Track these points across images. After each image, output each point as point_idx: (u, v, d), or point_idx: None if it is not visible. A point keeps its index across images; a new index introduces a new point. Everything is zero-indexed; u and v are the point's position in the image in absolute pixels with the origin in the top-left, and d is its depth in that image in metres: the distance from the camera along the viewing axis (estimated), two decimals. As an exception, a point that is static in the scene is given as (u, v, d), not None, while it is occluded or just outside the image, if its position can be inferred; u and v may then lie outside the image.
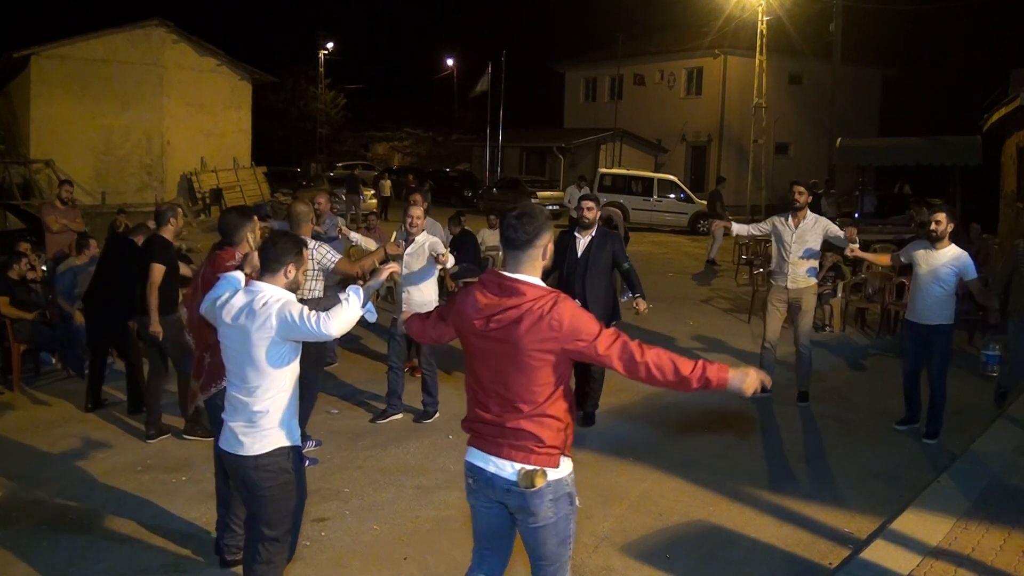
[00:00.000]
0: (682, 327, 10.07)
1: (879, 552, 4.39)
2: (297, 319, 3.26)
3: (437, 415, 6.68)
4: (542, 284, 2.91)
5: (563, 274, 6.50)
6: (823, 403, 7.33)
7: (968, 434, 6.46)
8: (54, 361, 7.84)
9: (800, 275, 7.07)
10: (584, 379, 6.58)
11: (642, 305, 6.37)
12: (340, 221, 8.30)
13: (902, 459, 6.08)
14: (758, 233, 7.63)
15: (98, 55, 22.74)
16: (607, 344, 2.81)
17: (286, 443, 3.42)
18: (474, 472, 2.99)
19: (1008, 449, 6.00)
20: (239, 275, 3.87)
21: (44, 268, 8.89)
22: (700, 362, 2.87)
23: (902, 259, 6.59)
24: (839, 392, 7.74)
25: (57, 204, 9.79)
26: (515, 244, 2.90)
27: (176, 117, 24.23)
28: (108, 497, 5.10)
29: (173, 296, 6.10)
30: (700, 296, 12.54)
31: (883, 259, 6.99)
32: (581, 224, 6.49)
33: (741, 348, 9.31)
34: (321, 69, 44.77)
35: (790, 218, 7.13)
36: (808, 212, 7.11)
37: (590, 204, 6.50)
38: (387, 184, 24.76)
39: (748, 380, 2.87)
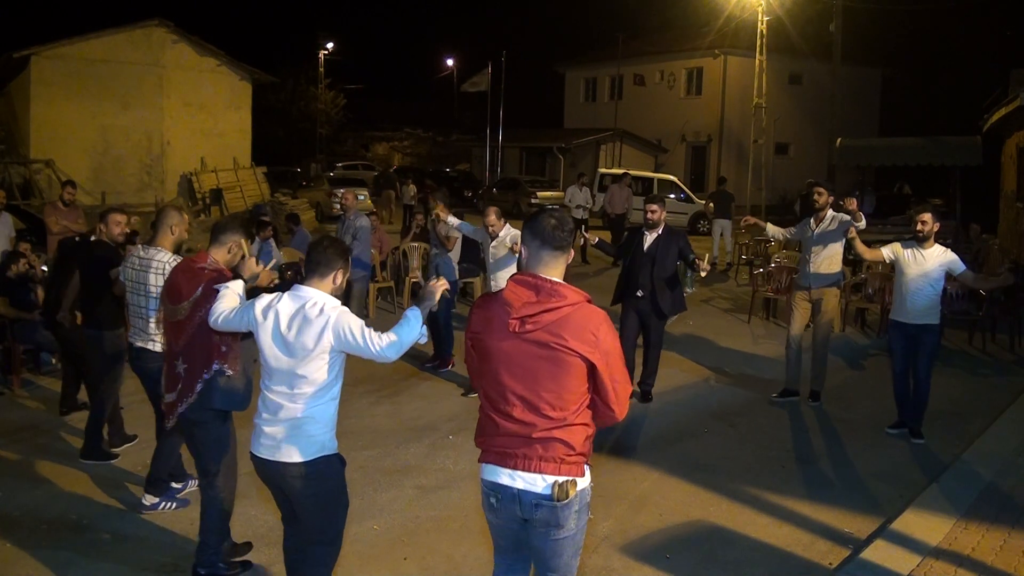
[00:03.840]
0: (682, 327, 10.07)
1: (879, 552, 4.40)
2: (358, 338, 3.22)
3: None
4: (572, 287, 2.90)
5: (627, 266, 7.24)
6: (823, 403, 7.33)
7: (967, 434, 6.47)
8: (54, 361, 7.84)
9: (822, 276, 7.06)
10: (645, 350, 7.19)
11: (704, 264, 7.05)
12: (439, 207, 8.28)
13: (902, 459, 6.08)
14: (789, 236, 7.63)
15: (98, 55, 22.70)
16: (622, 374, 2.87)
17: (330, 451, 3.41)
18: (497, 491, 2.89)
19: (1008, 449, 6.01)
20: (238, 284, 3.82)
21: (44, 268, 8.88)
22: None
23: (886, 256, 6.51)
24: (839, 392, 7.74)
25: (59, 205, 9.79)
26: (555, 244, 2.86)
27: (176, 117, 24.20)
28: (108, 498, 5.11)
29: (112, 310, 5.57)
30: (700, 296, 12.53)
31: (875, 254, 6.76)
32: (647, 224, 7.15)
33: (741, 348, 9.31)
34: (321, 69, 44.78)
35: (812, 220, 7.15)
36: (829, 212, 7.08)
37: (654, 207, 7.11)
38: (411, 189, 23.25)
39: None
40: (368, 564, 4.39)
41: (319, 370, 3.30)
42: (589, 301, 2.86)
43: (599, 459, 5.89)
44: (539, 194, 26.00)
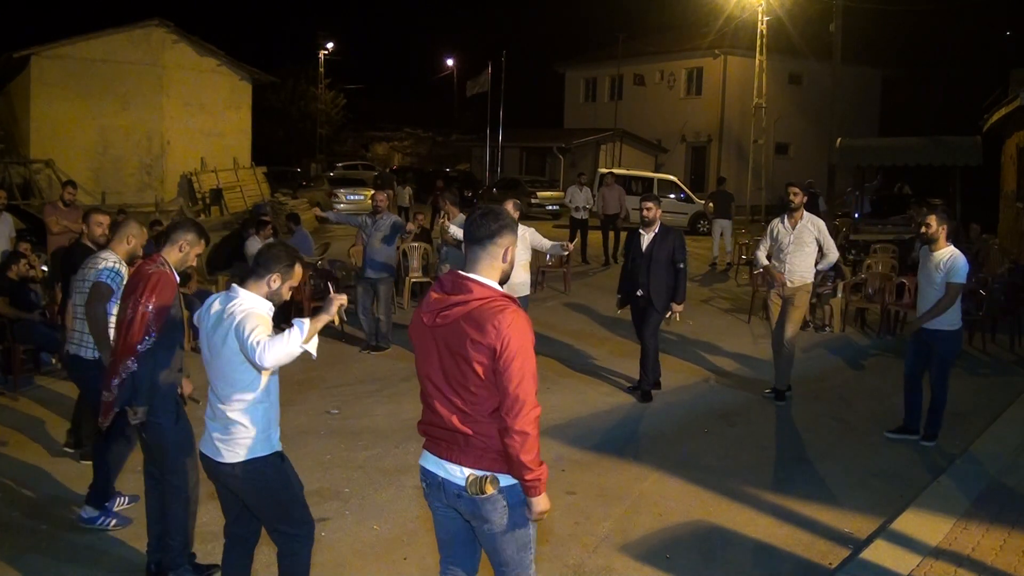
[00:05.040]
0: (682, 327, 10.06)
1: (879, 552, 4.40)
2: (245, 335, 3.15)
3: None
4: (496, 286, 2.84)
5: (629, 267, 7.36)
6: (823, 403, 7.33)
7: (968, 435, 6.46)
8: (54, 361, 7.84)
9: (796, 274, 7.14)
10: (642, 352, 7.31)
11: (676, 309, 7.19)
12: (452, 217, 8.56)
13: (902, 459, 6.08)
14: (770, 249, 7.62)
15: (98, 55, 22.71)
16: (519, 377, 2.70)
17: (260, 453, 3.39)
18: (426, 476, 2.96)
19: (1008, 449, 6.01)
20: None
21: (44, 268, 8.89)
22: (544, 467, 2.79)
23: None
24: (839, 392, 7.75)
25: (60, 205, 9.79)
26: (474, 238, 2.85)
27: (176, 117, 24.20)
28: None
29: None
30: (700, 296, 12.53)
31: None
32: (643, 222, 7.25)
33: (741, 348, 9.31)
34: (321, 69, 44.77)
35: (786, 219, 7.25)
36: (804, 212, 7.21)
37: (649, 204, 7.20)
38: (408, 192, 21.92)
39: (542, 505, 2.83)
40: (368, 564, 4.39)
41: (235, 371, 3.31)
42: (505, 298, 2.80)
43: (599, 459, 5.90)
44: (539, 194, 25.99)
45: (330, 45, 45.88)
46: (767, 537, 4.78)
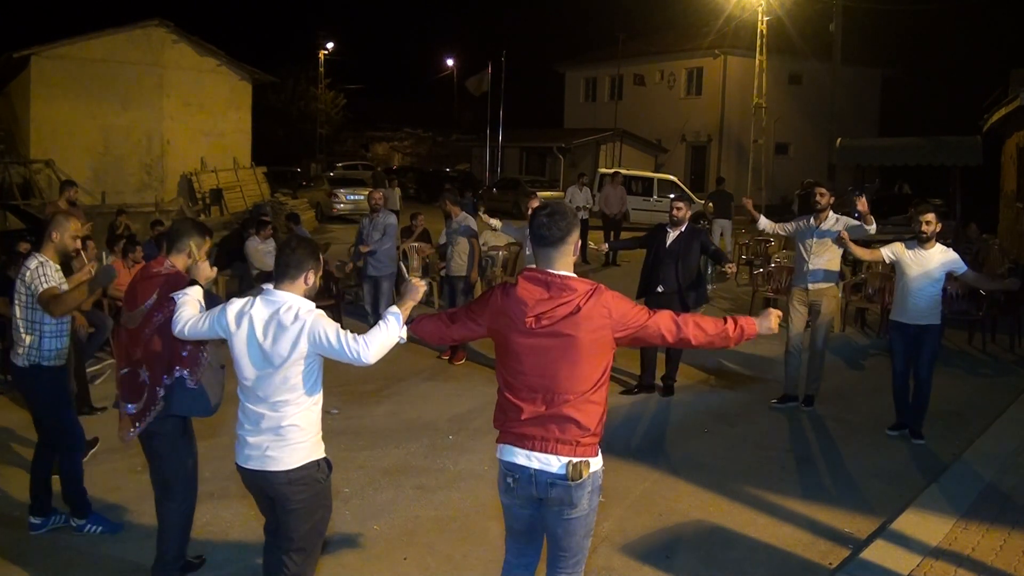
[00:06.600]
0: (682, 327, 10.06)
1: (879, 552, 4.40)
2: (335, 342, 3.13)
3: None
4: (579, 277, 2.99)
5: (650, 263, 7.45)
6: (823, 403, 7.32)
7: (967, 434, 6.47)
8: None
9: (820, 277, 6.99)
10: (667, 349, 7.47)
11: (732, 268, 7.60)
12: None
13: (901, 459, 6.08)
14: (782, 233, 7.50)
15: (98, 55, 22.70)
16: (652, 318, 2.97)
17: (317, 456, 3.36)
18: (515, 471, 3.00)
19: (1007, 449, 6.01)
20: (196, 290, 3.65)
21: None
22: (730, 318, 3.08)
23: (886, 257, 6.46)
24: (839, 392, 7.74)
25: (62, 204, 9.79)
26: (548, 242, 2.96)
27: (176, 117, 24.18)
28: (108, 499, 5.10)
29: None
30: (700, 296, 12.53)
31: (874, 255, 6.72)
32: (672, 221, 7.43)
33: (741, 348, 9.29)
34: (321, 69, 44.78)
35: (812, 219, 7.04)
36: (830, 213, 6.99)
37: (680, 205, 7.45)
38: (397, 194, 20.28)
39: (770, 319, 3.11)
40: (368, 564, 4.39)
41: (297, 376, 3.22)
42: (593, 284, 2.96)
43: (599, 459, 5.90)
44: (539, 194, 25.94)
45: (330, 45, 45.92)
46: (767, 537, 4.78)
